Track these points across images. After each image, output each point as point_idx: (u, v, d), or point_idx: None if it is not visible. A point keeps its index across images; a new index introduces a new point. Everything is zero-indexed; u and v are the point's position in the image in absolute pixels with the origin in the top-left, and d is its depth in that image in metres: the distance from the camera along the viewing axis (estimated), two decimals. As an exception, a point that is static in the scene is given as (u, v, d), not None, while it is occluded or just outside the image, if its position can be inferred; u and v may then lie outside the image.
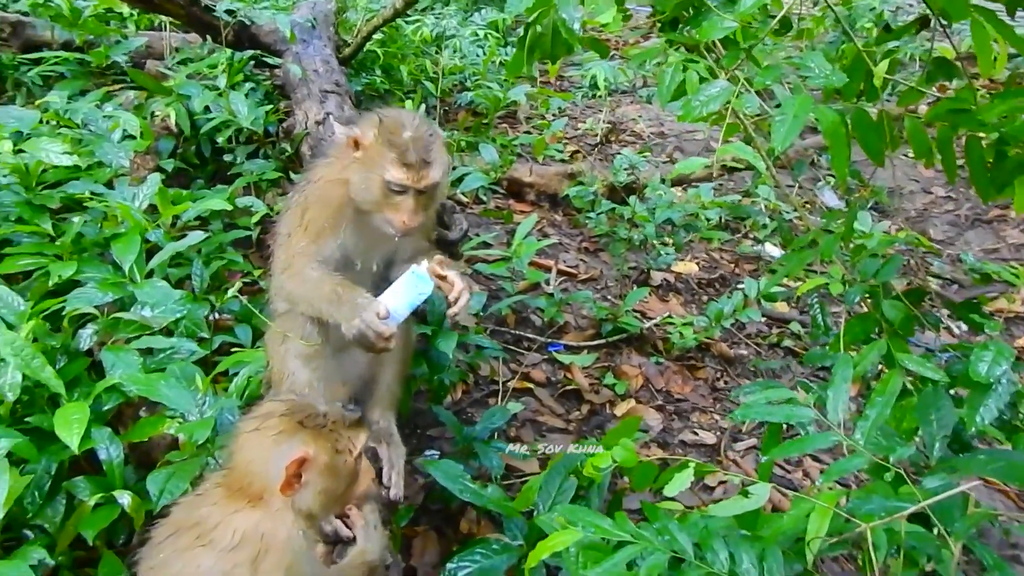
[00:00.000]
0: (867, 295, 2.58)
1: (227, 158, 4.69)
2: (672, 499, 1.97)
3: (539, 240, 4.67)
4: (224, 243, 3.94)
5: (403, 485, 2.63)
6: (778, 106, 1.95)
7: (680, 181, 6.02)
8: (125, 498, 2.36)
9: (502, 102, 6.13)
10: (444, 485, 2.48)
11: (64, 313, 2.80)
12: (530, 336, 4.56)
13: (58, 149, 3.32)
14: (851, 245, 2.70)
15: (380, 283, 2.61)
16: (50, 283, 3.03)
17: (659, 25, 2.47)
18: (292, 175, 4.45)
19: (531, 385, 4.23)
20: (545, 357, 4.49)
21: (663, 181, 5.72)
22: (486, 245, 4.75)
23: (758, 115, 2.40)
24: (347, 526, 2.13)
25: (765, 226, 6.07)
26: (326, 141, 4.41)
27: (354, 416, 1.83)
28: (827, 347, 2.79)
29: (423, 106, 5.72)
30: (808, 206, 6.20)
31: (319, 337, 2.60)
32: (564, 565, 2.26)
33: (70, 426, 2.37)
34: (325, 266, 2.58)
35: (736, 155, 2.30)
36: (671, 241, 5.42)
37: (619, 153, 6.10)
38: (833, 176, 6.10)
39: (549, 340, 4.55)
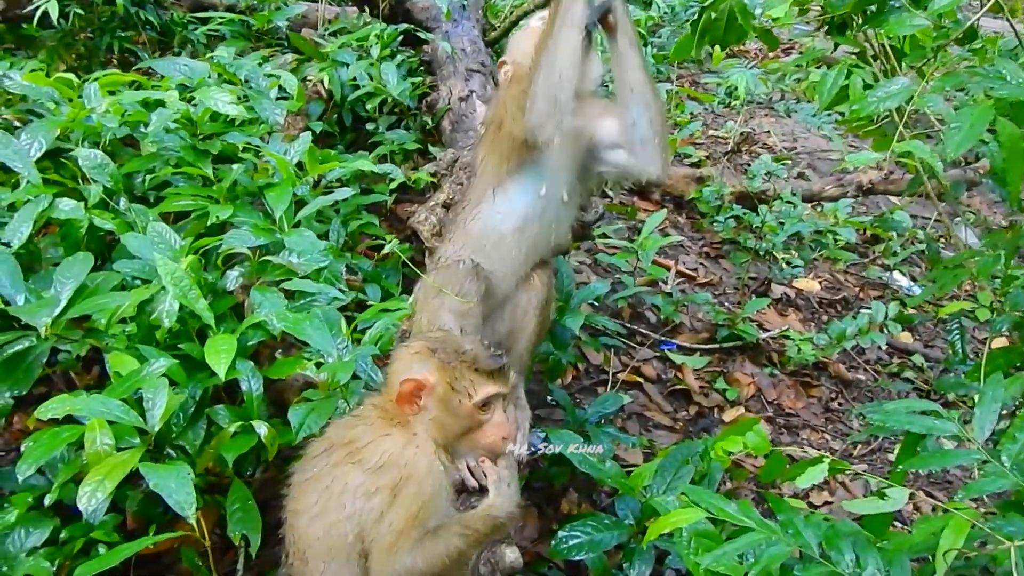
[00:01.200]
0: (1015, 327, 2.48)
1: (368, 127, 4.87)
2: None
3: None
4: (360, 206, 4.10)
5: (527, 447, 2.69)
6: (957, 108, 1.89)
7: (811, 198, 5.86)
8: (262, 428, 2.50)
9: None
10: (563, 455, 2.53)
11: (219, 251, 2.98)
12: (644, 332, 4.55)
13: (226, 99, 3.52)
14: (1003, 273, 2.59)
15: None
16: (207, 223, 3.24)
17: (826, 27, 2.44)
18: (430, 147, 4.58)
19: (640, 380, 4.22)
20: (657, 355, 4.47)
21: (794, 195, 5.59)
22: (605, 237, 4.76)
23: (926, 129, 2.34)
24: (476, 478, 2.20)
25: (896, 253, 5.85)
26: (467, 117, 4.53)
27: (494, 363, 1.86)
28: (964, 375, 2.69)
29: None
30: (942, 240, 5.95)
31: (475, 296, 2.67)
32: (675, 550, 2.27)
33: (219, 355, 2.52)
34: None
35: (898, 154, 2.22)
36: (796, 255, 5.30)
37: (750, 163, 6.00)
38: (974, 213, 5.83)
39: (663, 338, 4.52)
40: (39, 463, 2.18)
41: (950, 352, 2.83)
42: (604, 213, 3.28)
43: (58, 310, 2.54)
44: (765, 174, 5.21)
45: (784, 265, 5.28)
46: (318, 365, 2.67)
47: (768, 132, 7.71)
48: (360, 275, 3.75)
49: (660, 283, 4.96)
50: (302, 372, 2.70)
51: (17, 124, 3.92)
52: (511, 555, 2.09)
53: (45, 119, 3.69)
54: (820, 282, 5.58)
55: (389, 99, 4.74)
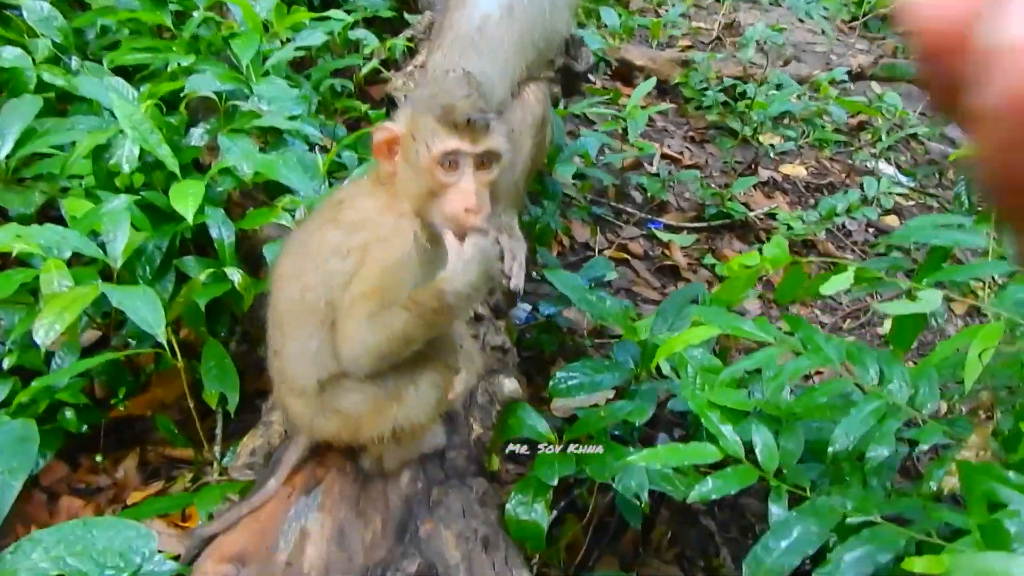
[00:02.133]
0: None
1: (338, -4, 4.56)
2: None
3: (647, 125, 4.48)
4: (329, 70, 3.85)
5: (523, 277, 2.51)
6: None
7: (800, 82, 5.68)
8: (236, 275, 2.32)
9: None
10: (551, 322, 2.39)
11: (183, 96, 2.75)
12: (629, 211, 4.40)
13: (184, -55, 3.23)
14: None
15: None
16: (168, 75, 3.00)
17: None
18: (406, 15, 4.31)
19: (627, 256, 4.09)
20: (643, 233, 4.34)
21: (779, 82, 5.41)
22: (589, 121, 4.58)
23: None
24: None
25: (881, 140, 5.73)
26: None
27: (461, 116, 1.58)
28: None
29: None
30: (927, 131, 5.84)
31: None
32: (679, 391, 2.17)
33: (185, 199, 2.33)
34: None
35: None
36: (783, 140, 5.15)
37: (734, 54, 5.79)
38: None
39: (649, 216, 4.38)
40: (-10, 303, 1.99)
41: (955, 204, 2.71)
42: (595, 64, 3.08)
43: (5, 150, 2.31)
44: (757, 40, 5.00)
45: (769, 150, 5.13)
46: (292, 214, 2.49)
47: (752, 24, 7.46)
48: (333, 141, 3.54)
49: (645, 164, 4.79)
50: (276, 222, 2.52)
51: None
52: (510, 385, 1.97)
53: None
54: (806, 168, 5.45)
55: (359, -35, 4.44)
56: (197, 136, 2.91)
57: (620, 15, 5.30)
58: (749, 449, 1.70)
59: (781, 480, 1.60)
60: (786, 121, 5.16)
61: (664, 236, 4.27)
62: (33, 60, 2.91)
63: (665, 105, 5.01)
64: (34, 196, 2.47)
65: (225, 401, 2.40)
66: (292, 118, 2.71)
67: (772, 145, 5.24)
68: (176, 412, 2.73)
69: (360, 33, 4.02)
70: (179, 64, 2.90)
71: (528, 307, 3.49)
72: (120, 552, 1.29)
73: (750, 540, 2.65)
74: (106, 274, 2.18)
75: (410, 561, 1.45)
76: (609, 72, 5.66)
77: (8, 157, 2.36)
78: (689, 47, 6.50)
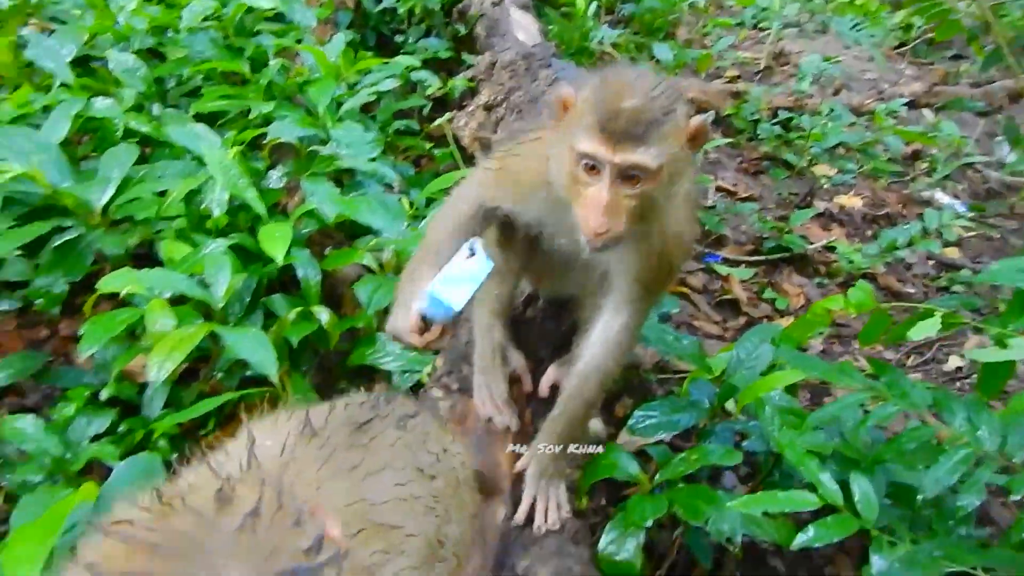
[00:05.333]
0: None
1: (398, 39, 4.71)
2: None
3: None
4: (393, 111, 3.98)
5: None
6: None
7: (852, 112, 5.69)
8: (324, 314, 2.42)
9: (677, 5, 5.87)
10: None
11: (265, 142, 2.87)
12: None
13: (261, -4, 3.39)
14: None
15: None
16: (247, 122, 3.13)
17: None
18: (463, 56, 4.43)
19: (687, 290, 4.12)
20: (701, 267, 4.36)
21: (834, 109, 5.42)
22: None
23: None
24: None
25: (937, 169, 5.69)
26: (501, 22, 4.37)
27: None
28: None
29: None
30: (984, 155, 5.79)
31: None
32: (758, 428, 2.19)
33: (274, 242, 2.44)
34: (475, 222, 1.92)
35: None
36: (838, 170, 5.15)
37: (782, 83, 5.81)
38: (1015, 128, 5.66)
39: (707, 250, 4.41)
40: (99, 343, 2.11)
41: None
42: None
43: (108, 194, 2.45)
44: (813, 75, 5.02)
45: (824, 181, 5.14)
46: (378, 256, 2.58)
47: (799, 52, 7.49)
48: (401, 179, 3.65)
49: (700, 198, 4.83)
50: (358, 263, 2.61)
51: (33, 28, 3.78)
52: (596, 425, 2.01)
53: (72, 24, 3.56)
54: (862, 199, 5.43)
55: (418, 9, 4.58)
56: (275, 179, 3.03)
57: (673, 49, 5.37)
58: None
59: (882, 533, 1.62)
60: (840, 151, 5.17)
61: (723, 270, 4.29)
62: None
63: (721, 140, 5.05)
64: (129, 239, 2.60)
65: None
66: (371, 160, 2.81)
67: (827, 176, 5.25)
68: (257, 444, 2.82)
69: (422, 74, 4.15)
70: (260, 111, 3.02)
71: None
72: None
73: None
74: (204, 313, 2.29)
75: (511, 597, 1.51)
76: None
77: (108, 203, 2.49)
78: (737, 77, 6.55)
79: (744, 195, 5.11)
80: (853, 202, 5.37)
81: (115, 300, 2.46)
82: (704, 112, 5.36)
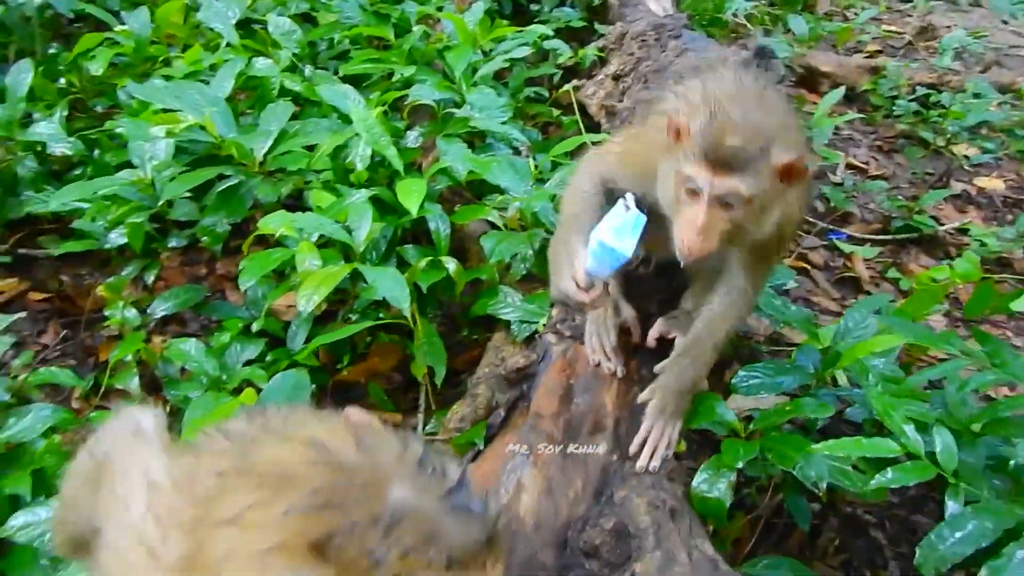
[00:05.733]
0: None
1: (533, 8, 4.86)
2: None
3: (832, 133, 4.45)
4: (524, 78, 4.14)
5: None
6: None
7: (1002, 90, 5.41)
8: (451, 264, 2.61)
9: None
10: None
11: (405, 104, 3.09)
12: (811, 220, 4.40)
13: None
14: None
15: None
16: (389, 84, 3.37)
17: None
18: (596, 26, 4.53)
19: (807, 266, 4.11)
20: (824, 243, 4.33)
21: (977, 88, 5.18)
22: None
23: None
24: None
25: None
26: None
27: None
28: None
29: None
30: None
31: None
32: (861, 397, 2.24)
33: (410, 195, 2.64)
34: (603, 193, 2.09)
35: None
36: (979, 150, 4.94)
37: (927, 59, 5.58)
38: None
39: (831, 227, 4.37)
40: (256, 276, 2.38)
41: None
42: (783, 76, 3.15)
43: (267, 145, 2.73)
44: (955, 48, 4.81)
45: (964, 161, 4.94)
46: (503, 213, 2.75)
47: (949, 27, 7.13)
48: (528, 143, 3.81)
49: (829, 174, 4.76)
50: (485, 219, 2.79)
51: None
52: (703, 385, 2.11)
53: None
54: (1005, 181, 5.18)
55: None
56: (413, 138, 3.26)
57: (808, 22, 5.26)
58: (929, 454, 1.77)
59: (958, 480, 1.68)
60: (984, 131, 4.95)
61: (846, 247, 4.24)
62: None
63: (853, 114, 4.94)
64: (282, 187, 2.88)
65: (432, 374, 2.70)
66: (502, 124, 2.98)
67: (967, 156, 5.05)
68: (385, 382, 3.08)
69: (554, 43, 4.28)
70: (402, 75, 3.25)
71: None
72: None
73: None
74: (346, 257, 2.53)
75: (607, 519, 1.67)
76: (793, 79, 5.63)
77: (266, 154, 2.77)
78: (878, 52, 6.32)
79: (875, 173, 4.99)
80: (994, 184, 5.14)
81: (267, 244, 2.75)
82: (837, 87, 5.19)
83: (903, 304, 2.25)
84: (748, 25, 5.07)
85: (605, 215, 1.93)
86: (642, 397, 2.02)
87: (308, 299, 2.15)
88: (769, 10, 5.49)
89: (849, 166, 4.96)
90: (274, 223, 2.32)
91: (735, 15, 4.89)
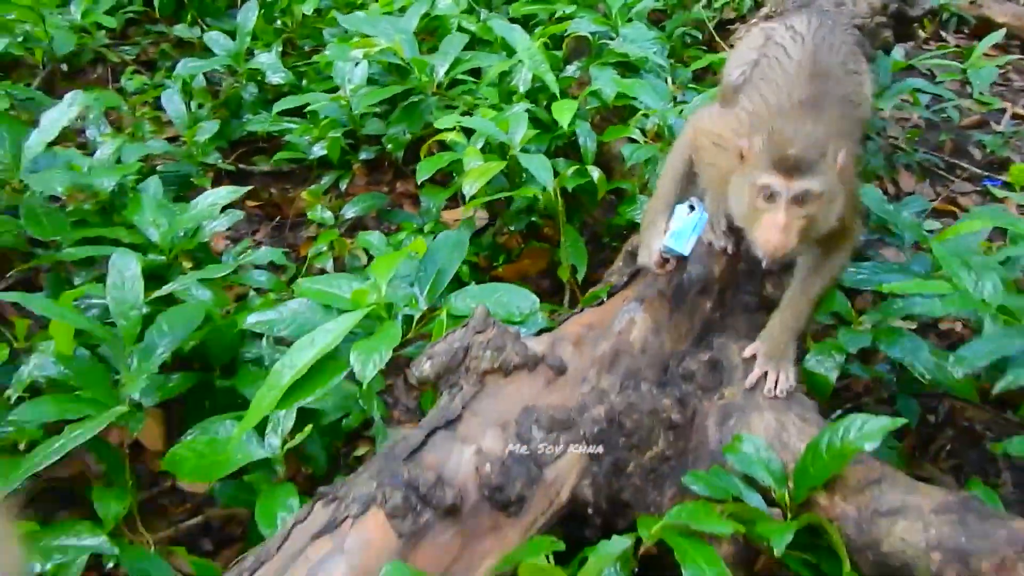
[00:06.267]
0: None
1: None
2: None
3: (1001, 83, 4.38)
4: (680, 23, 4.40)
5: None
6: None
7: None
8: (595, 172, 2.97)
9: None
10: None
11: (566, 35, 3.47)
12: (964, 165, 4.39)
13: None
14: None
15: None
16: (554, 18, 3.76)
17: None
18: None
19: (955, 210, 4.13)
20: (977, 189, 4.31)
21: None
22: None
23: None
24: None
25: None
26: None
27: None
28: None
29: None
30: None
31: None
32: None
33: (563, 112, 3.02)
34: (685, 180, 2.33)
35: None
36: None
37: None
38: None
39: (987, 173, 4.34)
40: (430, 172, 2.85)
41: None
42: (933, 8, 3.25)
43: (445, 67, 3.20)
44: None
45: None
46: (643, 129, 3.08)
47: None
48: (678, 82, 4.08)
49: (992, 123, 4.69)
50: (628, 136, 3.12)
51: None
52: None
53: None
54: None
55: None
56: (571, 70, 3.62)
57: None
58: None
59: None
60: None
61: (1000, 193, 4.22)
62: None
63: (1015, 56, 4.81)
64: (456, 108, 3.34)
65: (575, 271, 3.07)
66: (645, 59, 3.31)
67: None
68: (534, 287, 3.49)
69: (704, -9, 4.50)
70: (564, 12, 3.62)
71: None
72: (516, 304, 2.03)
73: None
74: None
75: (704, 353, 2.01)
76: (966, 30, 5.50)
77: (444, 77, 3.25)
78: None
79: (1044, 123, 4.85)
80: None
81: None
82: (1018, 40, 5.04)
83: None
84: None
85: (672, 213, 2.28)
86: (748, 352, 2.15)
87: (471, 185, 2.59)
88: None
89: (1016, 116, 4.85)
90: (448, 122, 2.78)
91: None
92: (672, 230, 2.25)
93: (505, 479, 1.65)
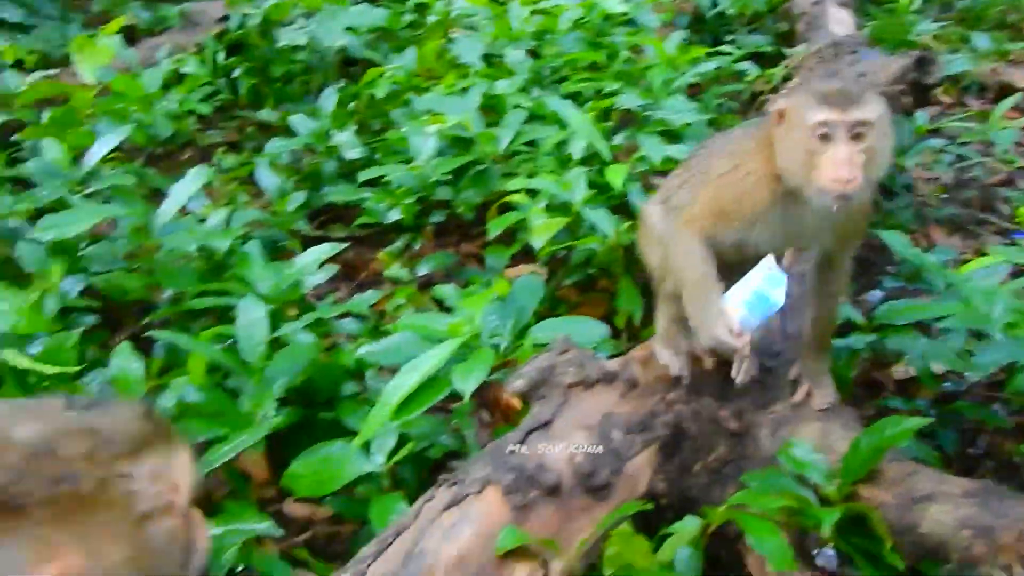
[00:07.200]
0: None
1: (727, 38, 5.51)
2: None
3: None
4: (717, 95, 4.81)
5: None
6: None
7: None
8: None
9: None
10: None
11: (613, 110, 3.88)
12: (993, 221, 4.66)
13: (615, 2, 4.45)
14: None
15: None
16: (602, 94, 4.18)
17: None
18: (783, 50, 5.11)
19: (980, 260, 4.39)
20: (1006, 242, 4.56)
21: None
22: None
23: None
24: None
25: None
26: (820, 18, 4.96)
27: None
28: None
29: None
30: None
31: None
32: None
33: (616, 175, 3.38)
34: (710, 249, 2.20)
35: None
36: None
37: None
38: None
39: (1015, 227, 4.60)
40: (500, 229, 3.24)
41: None
42: (947, 75, 3.58)
43: (507, 140, 3.61)
44: None
45: None
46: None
47: None
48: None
49: (1018, 181, 4.97)
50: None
51: (455, 35, 5.13)
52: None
53: (481, 31, 4.88)
54: None
55: (747, 12, 5.35)
56: (619, 139, 4.02)
57: (994, 39, 5.50)
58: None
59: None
60: None
61: (1027, 248, 4.46)
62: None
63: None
64: (518, 175, 3.73)
65: (630, 319, 3.38)
66: (687, 125, 3.69)
67: None
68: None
69: (744, 65, 4.91)
70: (610, 89, 4.05)
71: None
72: (588, 334, 2.38)
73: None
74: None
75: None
76: (990, 96, 5.82)
77: (506, 147, 3.66)
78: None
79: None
80: None
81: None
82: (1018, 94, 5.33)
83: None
84: (934, 46, 5.39)
85: (748, 274, 2.14)
86: (792, 374, 2.36)
87: (539, 238, 2.95)
88: (958, 29, 5.76)
89: (1042, 175, 5.11)
90: (516, 184, 3.17)
91: (919, 36, 5.23)
92: (764, 276, 2.09)
93: (594, 468, 1.98)
